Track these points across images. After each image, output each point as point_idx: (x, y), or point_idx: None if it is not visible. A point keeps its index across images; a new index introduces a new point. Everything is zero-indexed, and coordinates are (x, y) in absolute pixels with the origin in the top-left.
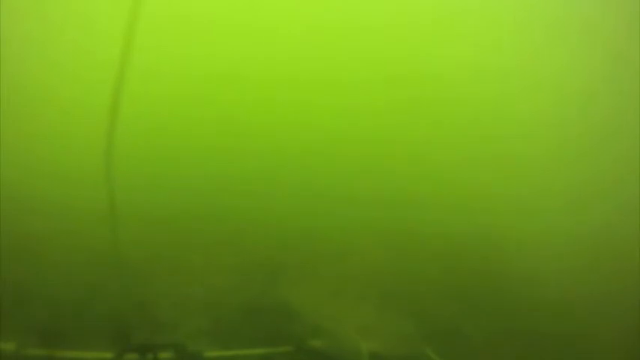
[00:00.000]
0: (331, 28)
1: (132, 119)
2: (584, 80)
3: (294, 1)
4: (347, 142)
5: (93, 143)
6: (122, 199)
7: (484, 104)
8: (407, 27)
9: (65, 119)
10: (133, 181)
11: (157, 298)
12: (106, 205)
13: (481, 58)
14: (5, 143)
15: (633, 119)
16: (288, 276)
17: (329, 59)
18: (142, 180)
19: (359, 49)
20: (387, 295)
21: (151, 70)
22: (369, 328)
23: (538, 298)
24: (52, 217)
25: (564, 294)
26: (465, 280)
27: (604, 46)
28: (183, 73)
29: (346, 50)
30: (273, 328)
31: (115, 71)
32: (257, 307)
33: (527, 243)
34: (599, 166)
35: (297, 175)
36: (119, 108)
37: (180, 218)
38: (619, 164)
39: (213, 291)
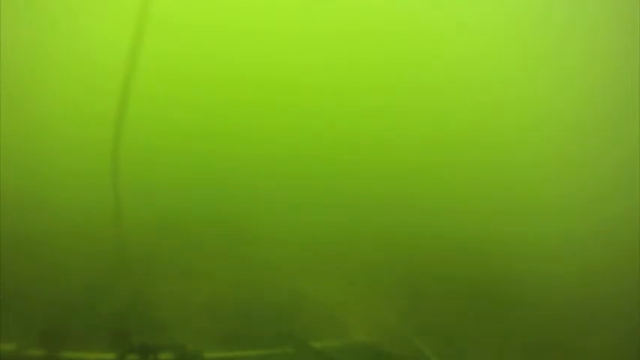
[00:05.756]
0: (339, 35)
1: (138, 125)
2: (584, 88)
3: (303, 7)
4: (352, 147)
5: (99, 148)
6: (127, 202)
7: (486, 111)
8: (408, 34)
9: (72, 124)
10: (139, 185)
11: (158, 299)
12: (112, 209)
13: (482, 65)
14: (12, 147)
15: (632, 125)
16: (288, 277)
17: (336, 64)
18: (147, 184)
19: (365, 55)
20: (390, 297)
21: (158, 75)
22: (371, 328)
23: (539, 299)
24: (56, 219)
25: (565, 296)
26: (467, 282)
27: (604, 54)
28: (190, 79)
29: (352, 56)
30: (273, 328)
31: (122, 77)
32: (257, 308)
33: (529, 246)
34: (600, 171)
35: (300, 180)
36: (125, 114)
37: (183, 222)
38: (619, 169)
39: (213, 293)
